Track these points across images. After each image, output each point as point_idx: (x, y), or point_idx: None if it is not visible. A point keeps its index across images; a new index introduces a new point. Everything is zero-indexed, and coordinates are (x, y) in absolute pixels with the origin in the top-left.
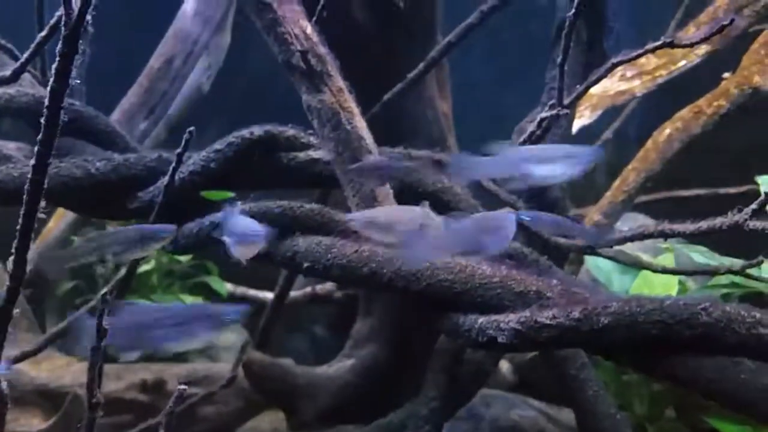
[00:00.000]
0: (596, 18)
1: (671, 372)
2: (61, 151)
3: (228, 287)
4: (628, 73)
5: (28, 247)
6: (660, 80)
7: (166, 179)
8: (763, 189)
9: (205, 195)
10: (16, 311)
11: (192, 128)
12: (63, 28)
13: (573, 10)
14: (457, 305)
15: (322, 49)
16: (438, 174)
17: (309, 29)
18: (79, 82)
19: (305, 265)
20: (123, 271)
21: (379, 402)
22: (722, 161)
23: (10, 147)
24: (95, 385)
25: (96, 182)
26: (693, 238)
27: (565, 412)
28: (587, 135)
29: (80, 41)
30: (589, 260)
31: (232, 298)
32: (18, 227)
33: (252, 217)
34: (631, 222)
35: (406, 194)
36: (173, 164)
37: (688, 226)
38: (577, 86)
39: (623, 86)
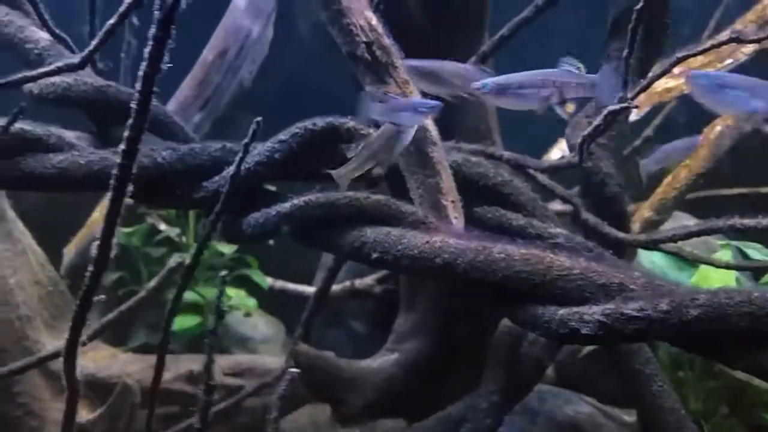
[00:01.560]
0: (654, 12)
1: (759, 365)
2: (121, 140)
3: (268, 281)
4: (675, 71)
5: (113, 233)
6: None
7: (232, 169)
8: None
9: None
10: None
11: (259, 118)
12: (157, 12)
13: (641, 3)
14: (534, 297)
15: (387, 41)
16: (497, 168)
17: (374, 20)
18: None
19: (374, 255)
20: (171, 262)
21: (423, 396)
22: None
23: (70, 135)
24: (212, 368)
25: (162, 171)
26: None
27: (615, 410)
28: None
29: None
30: (643, 255)
31: (272, 292)
32: (103, 216)
33: (315, 208)
34: (671, 220)
35: (468, 188)
36: (240, 154)
37: (760, 221)
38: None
39: (671, 83)
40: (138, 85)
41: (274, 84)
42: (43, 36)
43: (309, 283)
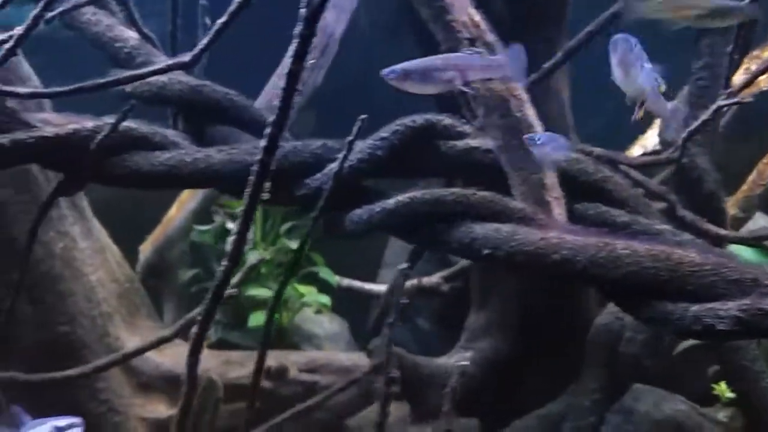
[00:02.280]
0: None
1: None
2: (217, 139)
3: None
4: (753, 67)
5: (249, 227)
6: None
7: (335, 166)
8: None
9: (225, 203)
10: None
11: (364, 116)
12: (303, 10)
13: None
14: (663, 293)
15: (491, 37)
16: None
17: (477, 17)
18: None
19: (484, 252)
20: (252, 259)
21: (499, 394)
22: None
23: (171, 134)
24: (392, 360)
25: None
26: None
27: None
28: None
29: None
30: (732, 249)
31: (336, 290)
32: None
33: (421, 204)
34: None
35: (568, 184)
36: (344, 151)
37: None
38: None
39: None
40: (283, 82)
41: (334, 82)
42: (132, 35)
43: (370, 280)
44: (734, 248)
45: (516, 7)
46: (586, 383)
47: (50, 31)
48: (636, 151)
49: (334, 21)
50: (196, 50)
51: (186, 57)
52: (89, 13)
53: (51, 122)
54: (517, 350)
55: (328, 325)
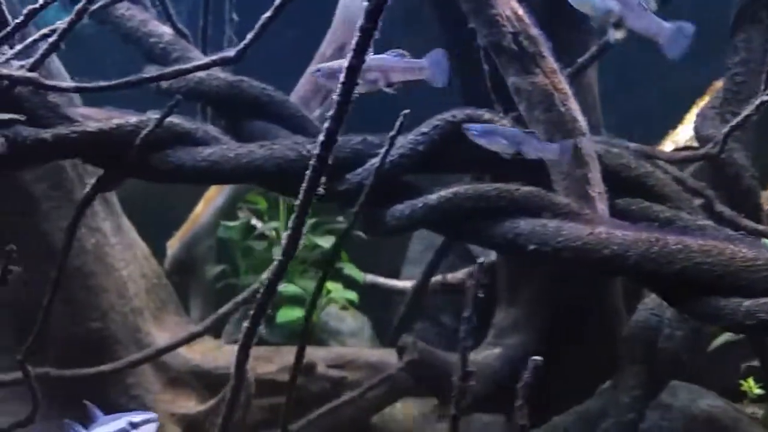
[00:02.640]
0: None
1: None
2: (255, 135)
3: None
4: None
5: (304, 222)
6: None
7: (376, 161)
8: None
9: (248, 198)
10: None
11: (407, 111)
12: (366, 3)
13: None
14: (716, 289)
15: (535, 31)
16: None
17: (520, 11)
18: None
19: (530, 247)
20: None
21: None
22: None
23: (212, 129)
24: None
25: (308, 164)
26: None
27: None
28: None
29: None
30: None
31: (363, 286)
32: (295, 209)
33: (465, 199)
34: None
35: (609, 179)
36: (386, 146)
37: None
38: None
39: None
40: (342, 78)
41: None
42: (167, 30)
43: (392, 276)
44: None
45: (553, 8)
46: (625, 380)
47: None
48: (667, 146)
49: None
50: (241, 45)
51: (231, 52)
52: (123, 8)
53: (92, 117)
54: (545, 347)
55: (351, 321)
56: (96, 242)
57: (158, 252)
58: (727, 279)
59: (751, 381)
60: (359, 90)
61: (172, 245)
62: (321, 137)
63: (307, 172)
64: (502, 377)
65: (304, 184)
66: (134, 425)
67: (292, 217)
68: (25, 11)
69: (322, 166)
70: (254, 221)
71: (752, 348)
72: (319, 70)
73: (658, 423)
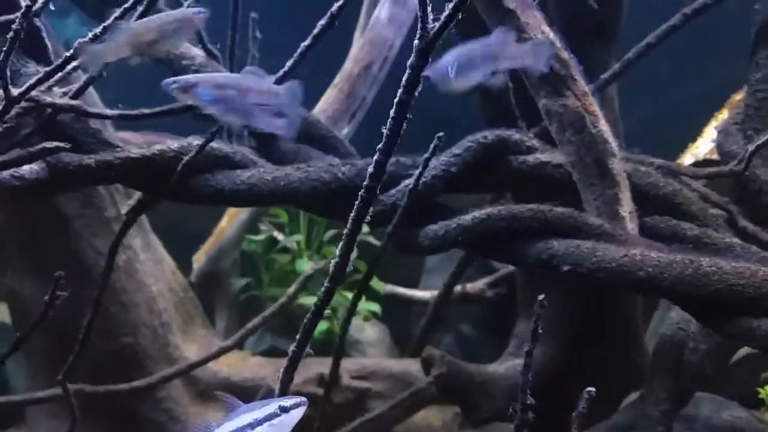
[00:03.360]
0: None
1: None
2: (287, 155)
3: None
4: None
5: (352, 249)
6: None
7: (410, 182)
8: None
9: (270, 212)
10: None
11: (441, 134)
12: (418, 41)
13: None
14: (748, 309)
15: (565, 54)
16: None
17: (551, 34)
18: None
19: (564, 268)
20: (308, 270)
21: (549, 400)
22: None
23: (249, 152)
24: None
25: (342, 186)
26: None
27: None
28: None
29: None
30: None
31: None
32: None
33: (499, 220)
34: None
35: (638, 197)
36: (420, 169)
37: None
38: None
39: None
40: (392, 112)
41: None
42: (198, 53)
43: (411, 286)
44: None
45: (576, 23)
46: (654, 393)
47: None
48: (687, 159)
49: (393, 35)
50: (279, 73)
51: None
52: None
53: (130, 141)
54: (565, 357)
55: (370, 331)
56: (127, 259)
57: (182, 265)
58: (759, 301)
59: None
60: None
61: (198, 259)
62: (370, 169)
63: (356, 202)
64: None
65: (353, 213)
66: (285, 409)
67: (340, 245)
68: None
69: (370, 197)
70: (277, 234)
71: None
72: (175, 83)
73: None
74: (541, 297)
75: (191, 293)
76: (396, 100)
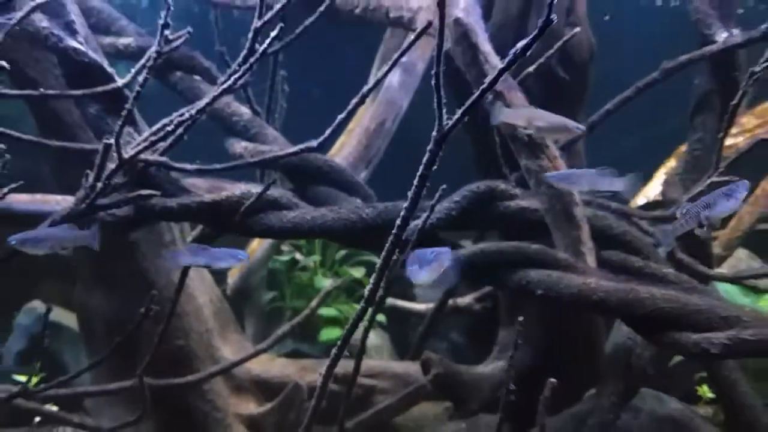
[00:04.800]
0: (730, 91)
1: None
2: (320, 197)
3: None
4: (734, 131)
5: (382, 281)
6: (759, 137)
7: (419, 222)
8: None
9: None
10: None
11: (444, 186)
12: (435, 133)
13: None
14: (674, 326)
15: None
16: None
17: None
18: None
19: (538, 292)
20: (328, 286)
21: (526, 397)
22: None
23: (291, 195)
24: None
25: (366, 225)
26: None
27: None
28: None
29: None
30: (719, 285)
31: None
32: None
33: (489, 254)
34: None
35: (598, 237)
36: (427, 212)
37: None
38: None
39: (730, 141)
40: (425, 159)
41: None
42: (245, 111)
43: (404, 298)
44: (719, 285)
45: (551, 92)
46: (606, 389)
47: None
48: (640, 200)
49: (403, 98)
50: (321, 138)
51: (314, 142)
52: (210, 90)
53: (198, 186)
54: (539, 361)
55: (374, 338)
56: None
57: (219, 281)
58: (681, 319)
59: (704, 387)
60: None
61: (233, 275)
62: (398, 221)
63: (386, 246)
64: (504, 386)
65: (383, 253)
66: None
67: (373, 276)
68: None
69: (396, 244)
70: (297, 255)
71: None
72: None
73: (630, 423)
74: (520, 318)
75: (226, 304)
76: (418, 173)
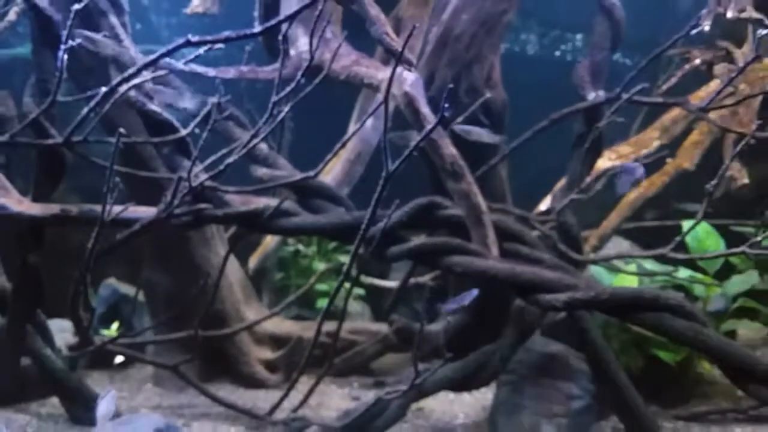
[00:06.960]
0: (590, 118)
1: (640, 321)
2: (317, 208)
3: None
4: (612, 156)
5: (356, 258)
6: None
7: (381, 225)
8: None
9: None
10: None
11: (398, 201)
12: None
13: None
14: (537, 290)
15: (461, 161)
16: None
17: (454, 151)
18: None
19: (458, 270)
20: (321, 269)
21: (466, 343)
22: None
23: (296, 207)
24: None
25: (348, 226)
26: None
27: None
28: None
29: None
30: (592, 267)
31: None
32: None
33: (428, 245)
34: (613, 243)
35: (501, 233)
36: (386, 219)
37: (643, 252)
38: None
39: (608, 164)
40: (374, 197)
41: None
42: (264, 146)
43: (382, 278)
44: (593, 268)
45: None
46: (506, 336)
47: None
48: (542, 206)
49: (373, 137)
50: (318, 168)
51: (312, 173)
52: (239, 131)
53: (235, 199)
54: (474, 320)
55: (356, 306)
56: (218, 260)
57: (243, 263)
58: (541, 286)
59: None
60: None
61: (253, 260)
62: (364, 223)
63: (356, 240)
64: (451, 338)
65: (356, 242)
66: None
67: (348, 258)
68: None
69: (363, 237)
70: (300, 247)
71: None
72: None
73: (523, 357)
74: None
75: (248, 281)
76: (375, 197)
